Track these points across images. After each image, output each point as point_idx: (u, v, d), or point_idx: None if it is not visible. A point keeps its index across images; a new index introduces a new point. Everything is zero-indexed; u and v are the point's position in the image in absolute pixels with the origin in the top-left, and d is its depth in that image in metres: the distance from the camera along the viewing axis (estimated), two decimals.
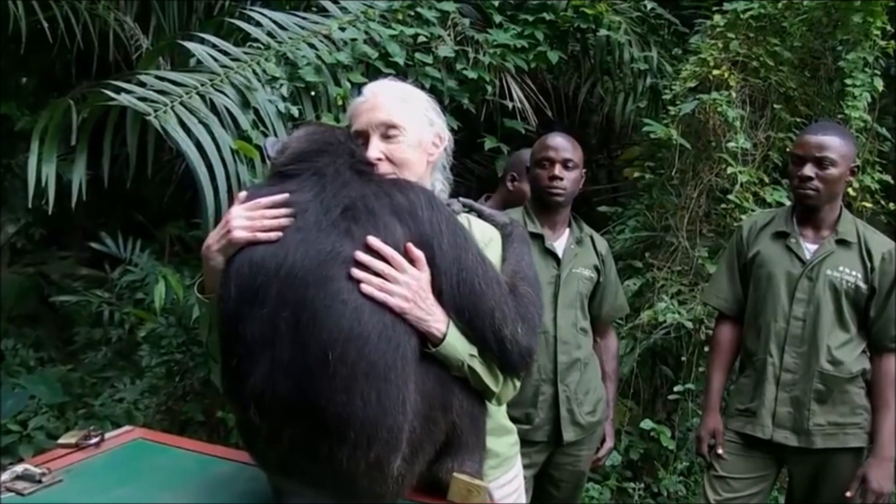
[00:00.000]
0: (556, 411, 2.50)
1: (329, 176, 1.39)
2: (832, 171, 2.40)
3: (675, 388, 3.32)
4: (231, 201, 2.75)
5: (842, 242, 2.46)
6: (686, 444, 3.47)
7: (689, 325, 3.26)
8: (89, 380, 4.59)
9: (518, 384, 1.50)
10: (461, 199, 1.69)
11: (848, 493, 2.37)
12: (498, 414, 1.66)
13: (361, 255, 1.29)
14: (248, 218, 1.38)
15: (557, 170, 2.52)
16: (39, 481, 1.50)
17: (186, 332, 3.40)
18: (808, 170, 2.41)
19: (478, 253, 1.41)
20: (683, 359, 3.38)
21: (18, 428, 3.81)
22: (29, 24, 4.29)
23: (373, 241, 1.30)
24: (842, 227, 2.48)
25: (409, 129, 1.57)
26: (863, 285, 2.42)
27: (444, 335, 1.34)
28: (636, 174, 3.83)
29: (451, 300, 1.37)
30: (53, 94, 5.36)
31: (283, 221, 1.35)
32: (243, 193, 1.47)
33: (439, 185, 1.65)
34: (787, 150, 3.22)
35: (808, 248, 2.48)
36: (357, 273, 1.27)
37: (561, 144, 2.56)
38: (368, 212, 1.34)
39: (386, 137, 1.56)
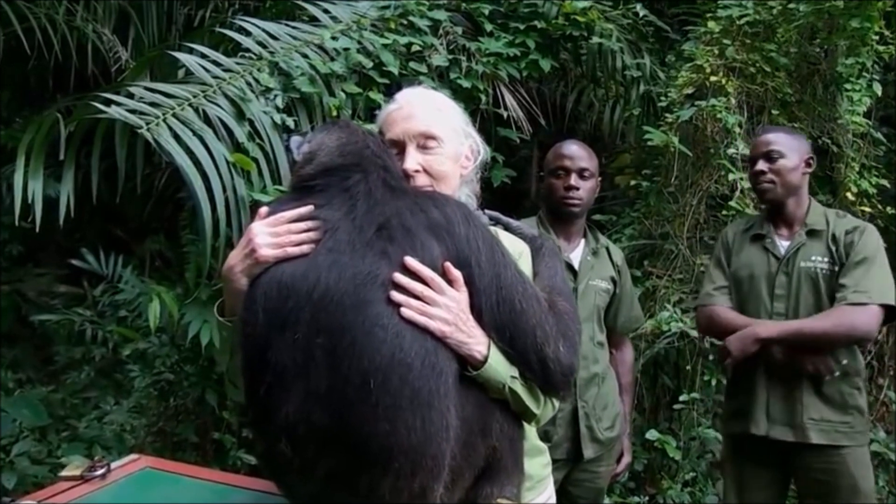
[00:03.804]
0: (575, 428, 2.45)
1: (361, 193, 1.32)
2: (782, 161, 2.50)
3: (681, 398, 3.29)
4: (229, 215, 2.71)
5: (812, 233, 2.51)
6: (690, 453, 3.44)
7: (694, 332, 3.22)
8: (71, 400, 4.45)
9: (557, 404, 1.45)
10: (487, 211, 1.63)
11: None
12: (531, 434, 1.61)
13: (400, 278, 1.23)
14: (273, 234, 1.32)
15: (573, 179, 2.47)
16: None
17: (179, 351, 3.29)
18: (760, 165, 2.52)
19: (516, 269, 1.36)
20: (689, 367, 3.35)
21: (1, 455, 3.66)
22: (4, 36, 4.17)
23: (410, 262, 1.24)
24: (811, 219, 2.53)
25: (446, 140, 1.52)
26: (836, 269, 2.44)
27: (486, 357, 1.29)
28: (633, 182, 3.80)
29: (491, 319, 1.32)
30: (27, 108, 5.24)
31: (312, 235, 1.29)
32: (264, 209, 1.41)
33: (464, 197, 1.59)
34: None
35: (783, 245, 2.53)
36: (397, 296, 1.22)
37: (576, 153, 2.51)
38: (404, 230, 1.28)
39: (423, 148, 1.51)
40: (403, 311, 1.21)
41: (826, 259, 2.46)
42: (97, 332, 4.59)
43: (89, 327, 4.59)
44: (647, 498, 3.46)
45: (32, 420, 3.98)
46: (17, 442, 3.80)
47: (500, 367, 1.31)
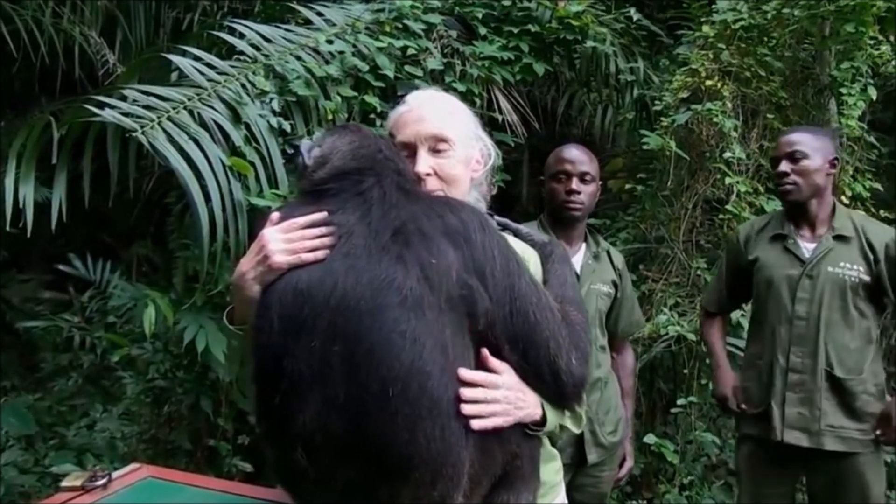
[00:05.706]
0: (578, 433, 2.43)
1: (375, 197, 1.30)
2: (805, 162, 2.47)
3: (679, 402, 3.29)
4: (225, 220, 2.67)
5: (840, 238, 2.48)
6: (687, 457, 3.44)
7: (692, 336, 3.23)
8: (58, 408, 4.39)
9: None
10: (496, 217, 1.61)
11: (878, 432, 2.40)
12: (545, 440, 1.59)
13: (465, 393, 1.21)
14: (287, 240, 1.29)
15: (574, 184, 2.46)
16: None
17: (172, 357, 3.24)
18: (783, 166, 2.49)
19: (530, 279, 1.34)
20: (685, 371, 3.35)
21: None
22: None
23: (464, 373, 1.22)
24: (837, 223, 2.50)
25: (458, 143, 1.50)
26: (866, 278, 2.43)
27: (543, 416, 1.32)
28: (627, 186, 3.81)
29: (504, 331, 1.29)
30: (11, 111, 5.16)
31: (327, 241, 1.26)
32: (276, 214, 1.38)
33: (473, 201, 1.58)
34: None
35: (807, 248, 2.50)
36: (468, 409, 1.21)
37: (578, 157, 2.50)
38: (421, 234, 1.26)
39: (435, 151, 1.49)
40: (474, 423, 1.21)
41: (856, 267, 2.42)
42: (85, 338, 4.53)
43: (77, 334, 4.53)
44: (644, 502, 3.46)
45: (19, 428, 3.91)
46: (3, 451, 3.74)
47: (552, 416, 1.34)
